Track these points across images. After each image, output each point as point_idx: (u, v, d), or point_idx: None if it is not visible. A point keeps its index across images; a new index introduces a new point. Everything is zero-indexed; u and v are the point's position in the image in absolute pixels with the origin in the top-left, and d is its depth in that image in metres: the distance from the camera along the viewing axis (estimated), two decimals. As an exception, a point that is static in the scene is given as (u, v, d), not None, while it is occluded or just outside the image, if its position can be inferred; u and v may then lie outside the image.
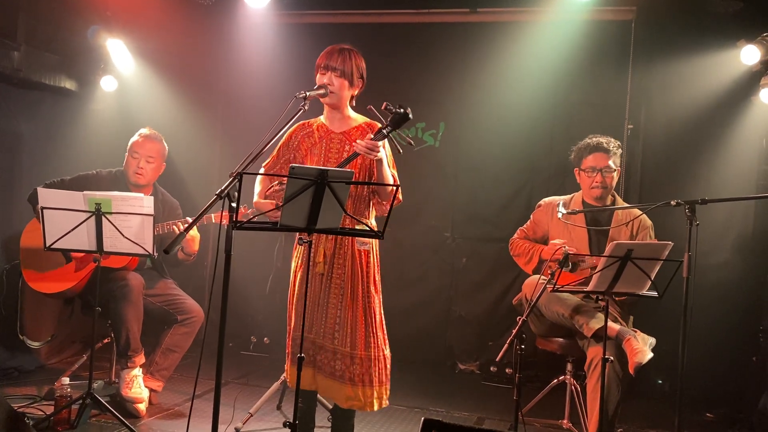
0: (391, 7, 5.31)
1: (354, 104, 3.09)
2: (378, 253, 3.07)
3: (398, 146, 2.94)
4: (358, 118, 3.07)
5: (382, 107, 2.77)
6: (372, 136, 2.79)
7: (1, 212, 4.40)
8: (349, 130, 3.03)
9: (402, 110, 2.74)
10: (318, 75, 2.97)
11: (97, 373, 3.90)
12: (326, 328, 2.95)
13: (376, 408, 2.96)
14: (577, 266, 3.63)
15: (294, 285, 3.07)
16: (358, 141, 2.81)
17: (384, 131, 2.79)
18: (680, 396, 3.19)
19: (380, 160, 2.85)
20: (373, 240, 3.02)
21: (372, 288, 2.99)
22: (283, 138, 3.10)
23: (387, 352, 3.02)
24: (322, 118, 3.09)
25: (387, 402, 3.02)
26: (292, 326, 3.03)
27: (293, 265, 3.11)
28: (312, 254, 2.95)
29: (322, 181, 2.33)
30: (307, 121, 3.11)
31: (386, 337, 3.05)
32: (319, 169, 2.34)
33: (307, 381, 2.99)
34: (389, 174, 2.94)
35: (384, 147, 2.88)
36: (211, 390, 3.86)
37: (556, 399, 3.94)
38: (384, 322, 3.06)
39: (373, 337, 2.96)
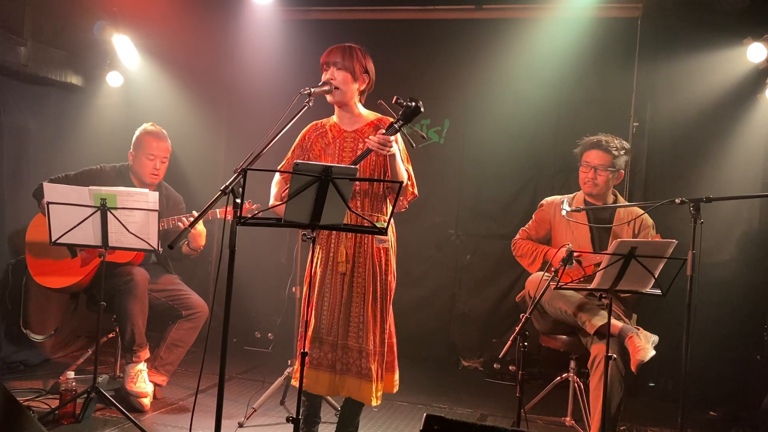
0: (397, 4, 5.32)
1: (363, 101, 3.07)
2: (396, 249, 3.08)
3: (411, 141, 2.92)
4: (369, 115, 3.05)
5: (393, 101, 2.74)
6: (384, 131, 2.77)
7: (7, 207, 4.42)
8: (361, 128, 3.01)
9: (413, 104, 2.72)
10: (323, 74, 2.98)
11: (101, 368, 3.92)
12: (350, 327, 2.93)
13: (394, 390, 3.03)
14: (581, 263, 3.62)
15: (308, 284, 3.03)
16: (370, 137, 2.80)
17: (396, 125, 2.76)
18: (683, 394, 3.18)
19: (393, 156, 2.83)
20: (391, 237, 3.02)
21: (389, 285, 2.99)
22: (297, 139, 3.09)
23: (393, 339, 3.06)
24: (334, 118, 3.08)
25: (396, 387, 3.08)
26: (312, 327, 2.93)
27: (310, 264, 3.03)
28: (333, 254, 2.95)
29: (326, 177, 2.34)
30: (320, 121, 3.10)
31: (391, 328, 3.06)
32: (323, 165, 2.35)
33: (325, 386, 2.92)
34: (403, 169, 2.92)
35: (397, 141, 2.86)
36: (214, 385, 3.88)
37: (559, 396, 3.94)
38: (391, 315, 3.08)
39: (386, 333, 2.98)
